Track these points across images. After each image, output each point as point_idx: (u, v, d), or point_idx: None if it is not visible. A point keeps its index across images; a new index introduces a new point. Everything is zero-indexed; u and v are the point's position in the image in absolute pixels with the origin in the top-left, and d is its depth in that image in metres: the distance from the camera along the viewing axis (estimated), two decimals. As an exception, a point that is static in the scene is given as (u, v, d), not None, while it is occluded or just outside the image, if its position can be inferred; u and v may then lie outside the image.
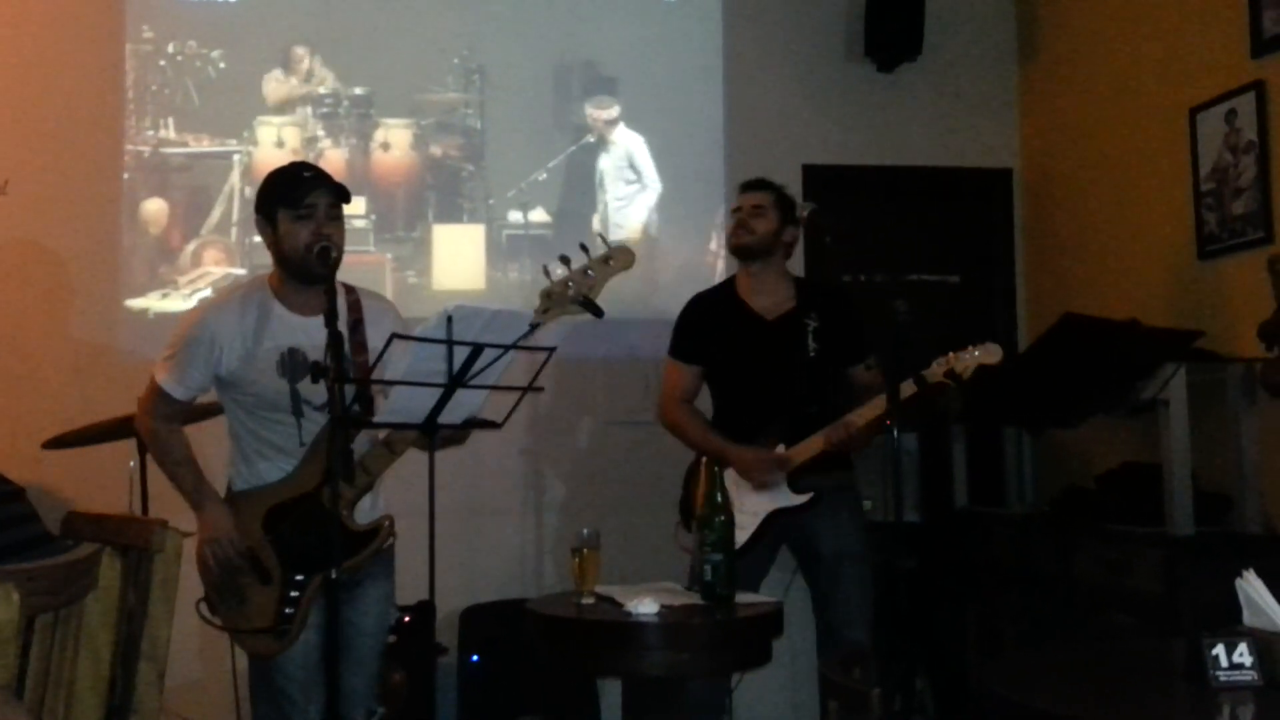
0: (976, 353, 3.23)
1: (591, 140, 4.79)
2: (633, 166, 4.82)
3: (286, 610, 2.72)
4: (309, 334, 2.73)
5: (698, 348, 3.59)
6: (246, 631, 2.75)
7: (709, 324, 3.59)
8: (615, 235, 4.72)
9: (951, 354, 3.24)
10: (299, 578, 2.73)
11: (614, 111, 4.80)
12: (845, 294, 3.70)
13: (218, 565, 2.75)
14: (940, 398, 3.43)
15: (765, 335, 3.52)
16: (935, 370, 3.23)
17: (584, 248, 2.72)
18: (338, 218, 2.75)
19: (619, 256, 2.73)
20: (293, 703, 2.75)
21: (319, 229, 2.70)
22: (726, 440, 3.47)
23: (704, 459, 3.35)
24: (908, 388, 3.17)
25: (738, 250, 3.58)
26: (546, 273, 2.74)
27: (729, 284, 3.68)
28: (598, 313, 2.73)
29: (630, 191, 4.81)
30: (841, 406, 3.41)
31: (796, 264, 4.55)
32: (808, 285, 3.68)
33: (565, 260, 2.71)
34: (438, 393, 2.55)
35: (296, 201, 2.71)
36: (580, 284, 2.71)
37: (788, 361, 3.47)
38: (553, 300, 2.72)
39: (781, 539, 3.51)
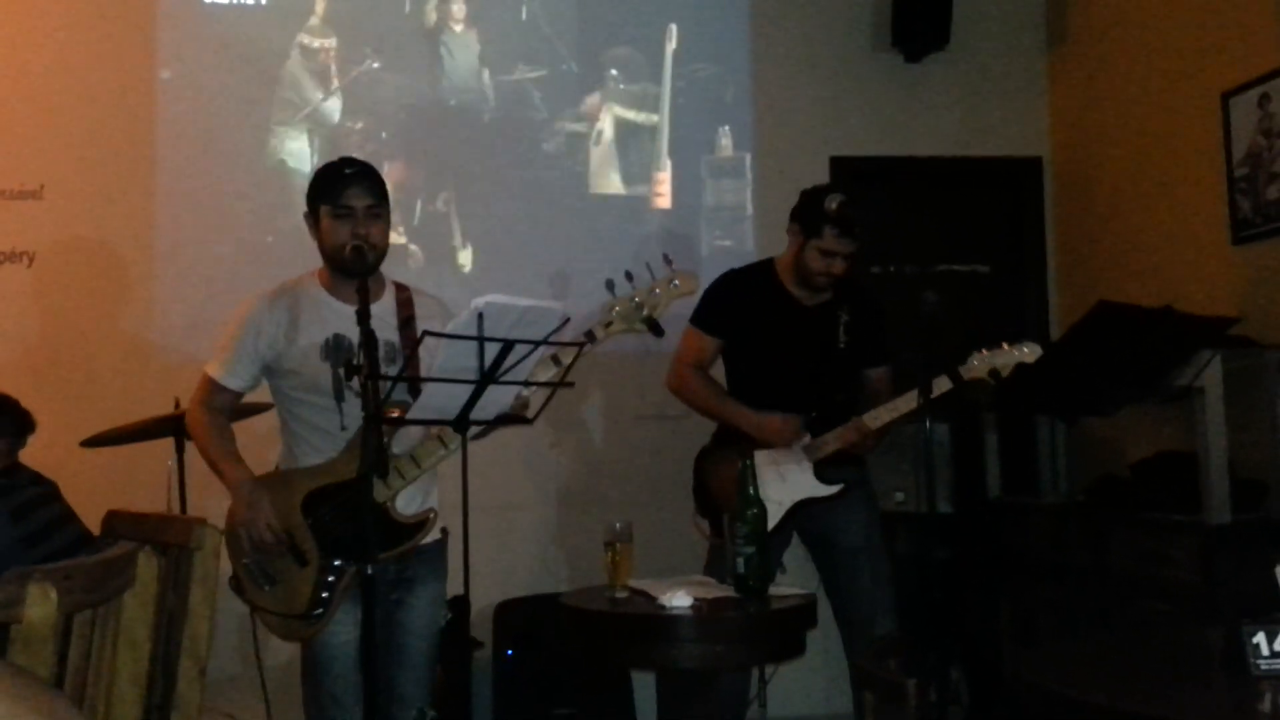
0: (1016, 352, 3.22)
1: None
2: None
3: (323, 595, 2.73)
4: (355, 323, 2.75)
5: (725, 321, 3.52)
6: (278, 614, 2.74)
7: (743, 300, 3.53)
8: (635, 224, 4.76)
9: (986, 350, 3.23)
10: (336, 563, 2.74)
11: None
12: (877, 296, 3.67)
13: (251, 546, 2.73)
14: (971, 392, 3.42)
15: (801, 321, 3.49)
16: (975, 367, 3.21)
17: (649, 268, 2.80)
18: (378, 216, 2.78)
19: (684, 281, 2.83)
20: (337, 703, 2.74)
21: (356, 229, 2.73)
22: (741, 405, 3.42)
23: (729, 453, 3.35)
24: (942, 384, 3.13)
25: (817, 287, 3.47)
26: (610, 287, 2.78)
27: (767, 265, 3.61)
28: (659, 332, 2.80)
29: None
30: (855, 405, 3.41)
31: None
32: (844, 281, 3.58)
33: (630, 277, 2.78)
34: (469, 389, 2.56)
35: (335, 199, 2.75)
36: (647, 303, 2.79)
37: (819, 350, 3.46)
38: (618, 315, 2.78)
39: (796, 529, 3.49)
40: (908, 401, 3.26)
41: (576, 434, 4.69)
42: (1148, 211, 4.42)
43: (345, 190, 2.74)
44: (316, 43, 4.65)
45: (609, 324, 2.78)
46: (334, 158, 2.90)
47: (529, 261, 4.68)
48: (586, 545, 4.54)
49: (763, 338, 3.50)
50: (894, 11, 4.86)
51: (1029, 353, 3.23)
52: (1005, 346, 3.23)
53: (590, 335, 2.73)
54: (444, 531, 2.92)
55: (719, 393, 3.53)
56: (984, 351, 3.24)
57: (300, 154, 4.58)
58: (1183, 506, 3.46)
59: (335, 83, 4.66)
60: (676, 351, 3.58)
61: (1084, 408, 4.07)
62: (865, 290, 3.67)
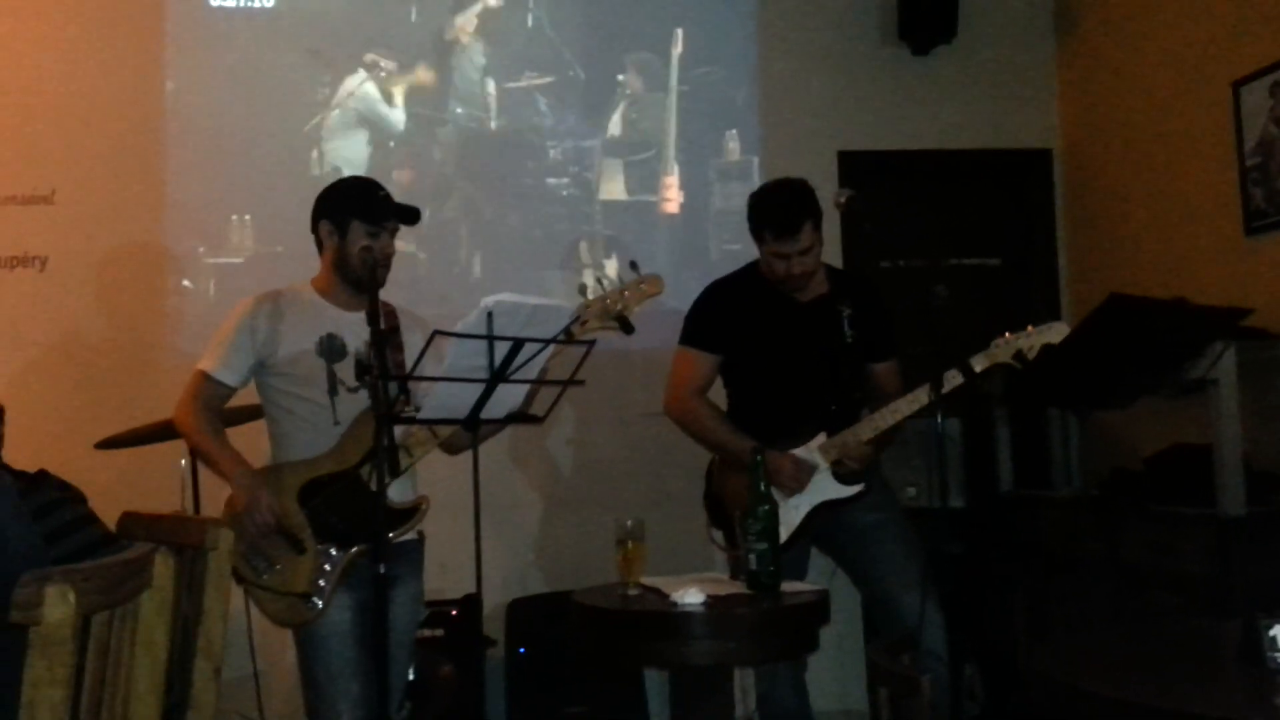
0: (1041, 331, 3.12)
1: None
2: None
3: (320, 582, 2.80)
4: (349, 325, 2.89)
5: (720, 335, 3.41)
6: (278, 592, 2.80)
7: (735, 310, 3.42)
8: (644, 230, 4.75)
9: (1008, 334, 3.13)
10: (332, 551, 2.82)
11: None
12: (876, 287, 3.56)
13: (256, 533, 2.80)
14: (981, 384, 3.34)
15: (800, 319, 3.38)
16: (996, 353, 3.12)
17: (618, 275, 2.96)
18: (395, 235, 2.96)
19: (650, 284, 2.95)
20: (334, 679, 2.78)
21: (385, 249, 2.90)
22: (750, 440, 3.24)
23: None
24: (953, 378, 3.04)
25: (792, 288, 3.36)
26: (582, 291, 2.89)
27: (752, 268, 3.48)
28: (629, 329, 2.91)
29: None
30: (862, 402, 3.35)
31: (833, 252, 4.55)
32: (840, 273, 3.51)
33: (600, 281, 2.92)
34: (479, 388, 2.57)
35: (376, 219, 2.90)
36: (617, 302, 2.90)
37: (825, 347, 3.35)
38: (591, 315, 2.87)
39: (820, 532, 3.38)
40: (910, 403, 3.16)
41: (587, 432, 4.69)
42: (1159, 202, 4.40)
43: (390, 215, 2.91)
44: (323, 50, 4.65)
45: (584, 323, 2.87)
46: (341, 166, 3.00)
47: (537, 268, 4.69)
48: (598, 543, 4.54)
49: (763, 343, 3.38)
50: (900, 5, 4.86)
51: (1055, 333, 3.12)
52: (1030, 329, 3.14)
53: (568, 335, 2.80)
54: (420, 534, 2.99)
55: (727, 424, 3.39)
56: (1007, 336, 3.13)
57: (307, 161, 4.59)
58: (1197, 499, 3.44)
59: (342, 90, 4.67)
60: (671, 377, 3.47)
61: (1097, 401, 4.07)
62: (865, 282, 3.58)
